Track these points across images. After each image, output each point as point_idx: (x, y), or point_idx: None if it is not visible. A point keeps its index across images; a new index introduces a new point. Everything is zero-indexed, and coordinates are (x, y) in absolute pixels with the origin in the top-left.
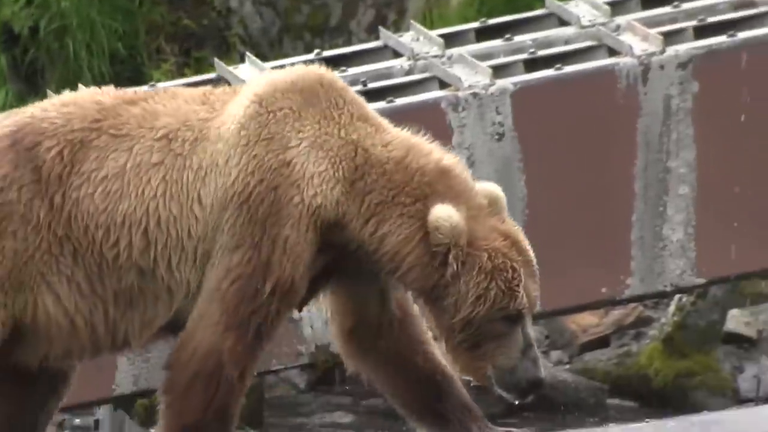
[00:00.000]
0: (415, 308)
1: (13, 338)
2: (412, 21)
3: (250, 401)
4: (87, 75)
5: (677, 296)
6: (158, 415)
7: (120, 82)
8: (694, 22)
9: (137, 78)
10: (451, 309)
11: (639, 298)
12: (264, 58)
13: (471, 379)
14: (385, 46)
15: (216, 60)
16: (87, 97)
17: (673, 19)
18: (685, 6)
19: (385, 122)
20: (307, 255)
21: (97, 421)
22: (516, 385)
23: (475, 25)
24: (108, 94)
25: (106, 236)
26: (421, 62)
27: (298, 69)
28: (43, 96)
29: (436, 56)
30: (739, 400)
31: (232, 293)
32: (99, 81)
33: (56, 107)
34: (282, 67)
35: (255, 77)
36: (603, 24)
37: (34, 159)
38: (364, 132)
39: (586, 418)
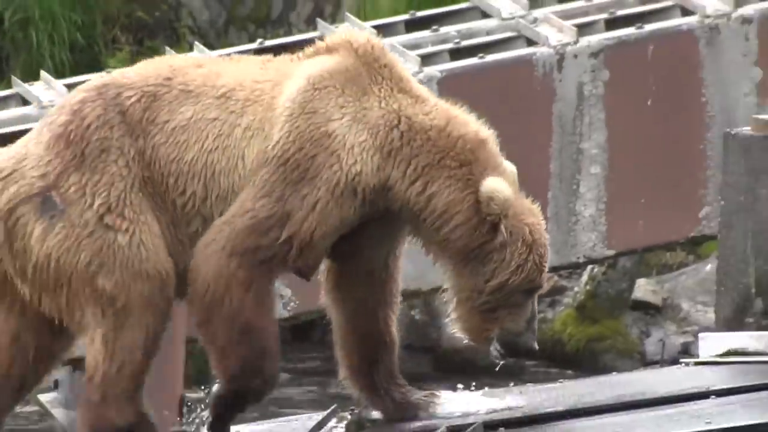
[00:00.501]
0: (398, 271)
1: None
2: (347, 13)
3: (198, 362)
4: (48, 63)
5: (589, 267)
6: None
7: (79, 69)
8: (605, 15)
9: (94, 65)
10: (488, 273)
11: (554, 269)
12: (211, 47)
13: (470, 338)
14: (321, 37)
15: (167, 48)
16: (161, 60)
17: (585, 12)
18: (597, 0)
19: (426, 93)
20: (335, 218)
21: (56, 381)
22: (515, 347)
23: (405, 17)
24: (180, 58)
25: (175, 185)
26: None
27: (346, 42)
28: (8, 82)
29: None
30: (645, 362)
31: (242, 225)
32: (60, 68)
33: (134, 69)
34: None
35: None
36: (522, 16)
37: (119, 105)
38: (405, 102)
39: (504, 379)
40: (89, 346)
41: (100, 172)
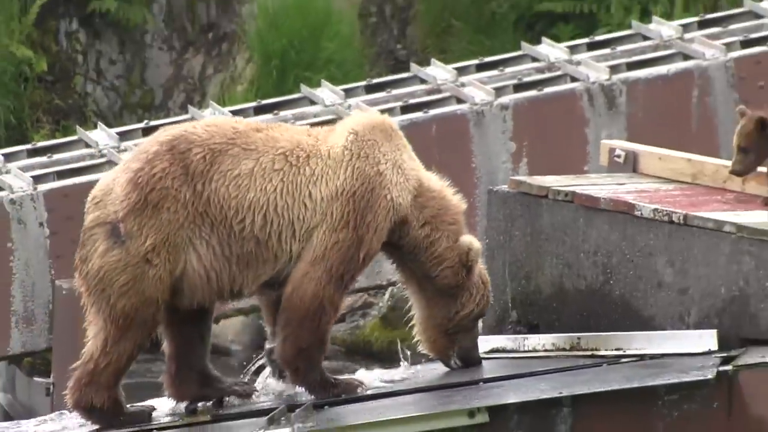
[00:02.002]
0: None
1: (174, 288)
2: (211, 101)
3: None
4: None
5: (390, 287)
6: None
7: (10, 142)
8: (400, 103)
9: (23, 139)
10: (459, 306)
11: (364, 289)
12: (110, 125)
13: (436, 355)
14: (192, 118)
15: (77, 127)
16: (224, 121)
17: (386, 101)
18: (395, 92)
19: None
20: (382, 239)
21: None
22: (468, 361)
23: (253, 104)
24: (240, 121)
25: (235, 215)
26: None
27: (373, 116)
28: None
29: None
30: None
31: (334, 257)
32: None
33: (202, 126)
34: (124, 133)
35: (346, 120)
36: (341, 104)
37: (184, 159)
38: (415, 165)
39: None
40: (92, 338)
41: (155, 218)
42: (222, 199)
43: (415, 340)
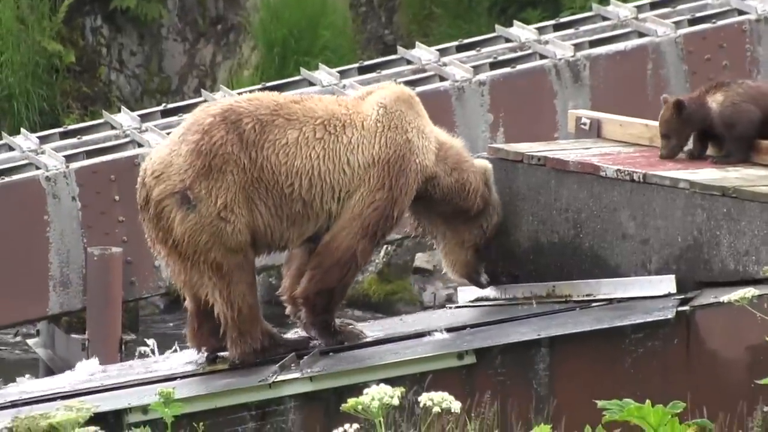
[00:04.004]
0: None
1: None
2: (221, 85)
3: (131, 316)
4: (25, 123)
5: (385, 246)
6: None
7: (44, 126)
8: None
9: (55, 124)
10: (487, 219)
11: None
12: (132, 109)
13: (466, 274)
14: (205, 100)
15: (103, 111)
16: (265, 95)
17: (377, 81)
18: (385, 73)
19: None
20: (413, 196)
21: (38, 330)
22: (493, 275)
23: (258, 87)
24: (278, 95)
25: (285, 179)
26: None
27: (396, 88)
28: None
29: None
30: (424, 307)
31: (370, 214)
32: (33, 126)
33: (245, 100)
34: (145, 116)
35: (373, 92)
36: (336, 84)
37: (237, 128)
38: (430, 125)
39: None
40: (214, 302)
41: (221, 180)
42: (273, 165)
43: (446, 271)
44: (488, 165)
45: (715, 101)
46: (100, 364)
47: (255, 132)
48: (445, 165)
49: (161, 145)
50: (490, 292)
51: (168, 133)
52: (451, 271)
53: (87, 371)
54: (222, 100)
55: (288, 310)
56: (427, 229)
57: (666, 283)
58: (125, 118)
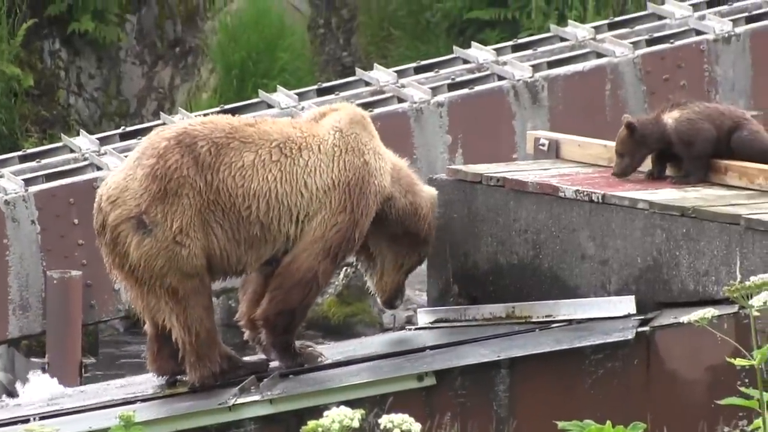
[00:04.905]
0: None
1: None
2: (180, 108)
3: (91, 339)
4: None
5: (344, 268)
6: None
7: (2, 150)
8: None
9: (14, 147)
10: (424, 248)
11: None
12: (91, 132)
13: (391, 296)
14: (164, 123)
15: (62, 135)
16: (218, 118)
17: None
18: (343, 94)
19: None
20: (372, 217)
21: None
22: (402, 295)
23: (217, 109)
24: (232, 118)
25: (243, 202)
26: None
27: (350, 110)
28: None
29: None
30: (383, 329)
31: (333, 236)
32: None
33: (199, 123)
34: (104, 139)
35: (326, 113)
36: (294, 107)
37: (193, 151)
38: (383, 146)
39: None
40: (171, 327)
41: (177, 204)
42: (230, 188)
43: (374, 292)
44: (435, 191)
45: (671, 117)
46: (59, 388)
47: (210, 155)
48: (400, 186)
49: (116, 171)
50: (449, 313)
51: (127, 156)
52: (381, 294)
53: (45, 391)
54: (176, 123)
55: (246, 334)
56: (370, 250)
57: (626, 304)
58: (84, 142)
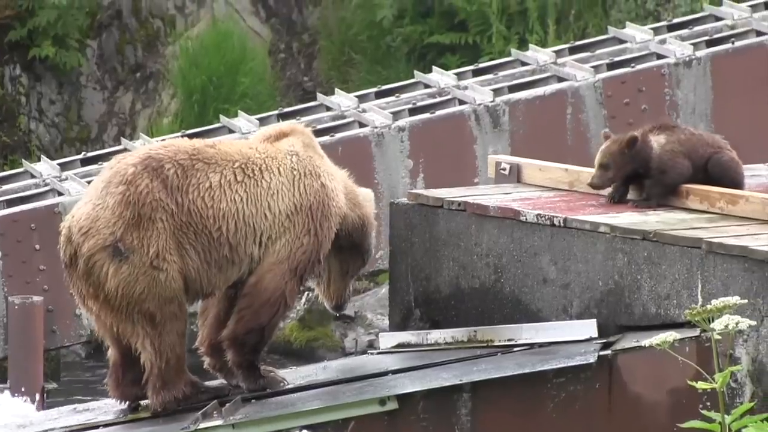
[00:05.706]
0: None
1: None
2: (141, 133)
3: (53, 365)
4: None
5: (306, 292)
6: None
7: None
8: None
9: None
10: (368, 252)
11: None
12: (52, 158)
13: (340, 301)
14: (125, 149)
15: (23, 160)
16: (179, 141)
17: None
18: (305, 119)
19: None
20: (333, 235)
21: None
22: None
23: (178, 134)
24: (193, 140)
25: (213, 223)
26: None
27: (298, 130)
28: None
29: None
30: (345, 353)
31: (299, 258)
32: None
33: (161, 147)
34: (65, 164)
35: (277, 135)
36: (255, 131)
37: (160, 174)
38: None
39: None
40: (142, 351)
41: (152, 228)
42: (200, 209)
43: (322, 299)
44: (371, 192)
45: (657, 142)
46: (21, 414)
47: (178, 177)
48: (349, 202)
49: (82, 202)
50: (411, 337)
51: (88, 182)
52: (330, 300)
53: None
54: (138, 149)
55: (207, 362)
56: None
57: (587, 328)
58: (45, 167)
